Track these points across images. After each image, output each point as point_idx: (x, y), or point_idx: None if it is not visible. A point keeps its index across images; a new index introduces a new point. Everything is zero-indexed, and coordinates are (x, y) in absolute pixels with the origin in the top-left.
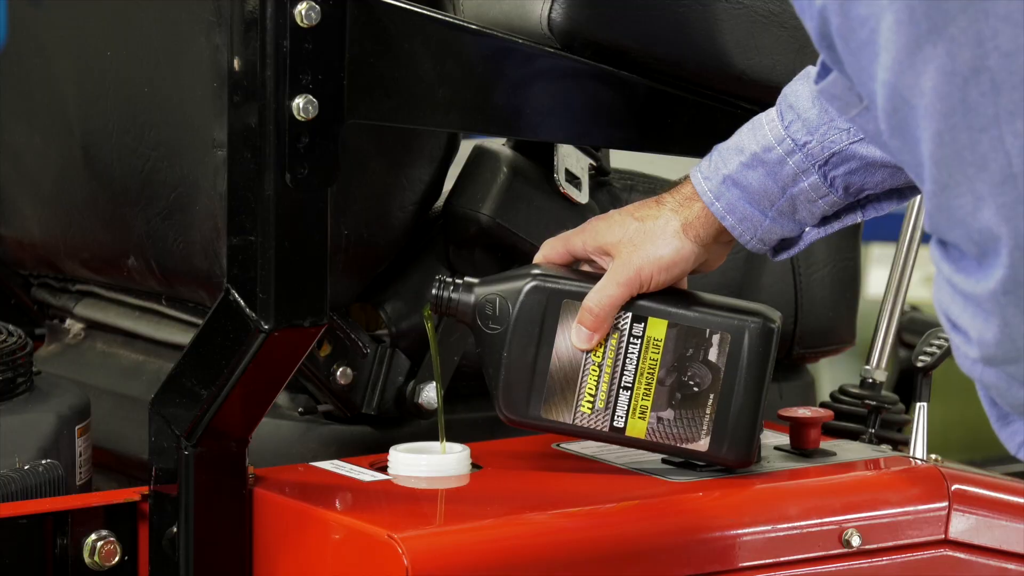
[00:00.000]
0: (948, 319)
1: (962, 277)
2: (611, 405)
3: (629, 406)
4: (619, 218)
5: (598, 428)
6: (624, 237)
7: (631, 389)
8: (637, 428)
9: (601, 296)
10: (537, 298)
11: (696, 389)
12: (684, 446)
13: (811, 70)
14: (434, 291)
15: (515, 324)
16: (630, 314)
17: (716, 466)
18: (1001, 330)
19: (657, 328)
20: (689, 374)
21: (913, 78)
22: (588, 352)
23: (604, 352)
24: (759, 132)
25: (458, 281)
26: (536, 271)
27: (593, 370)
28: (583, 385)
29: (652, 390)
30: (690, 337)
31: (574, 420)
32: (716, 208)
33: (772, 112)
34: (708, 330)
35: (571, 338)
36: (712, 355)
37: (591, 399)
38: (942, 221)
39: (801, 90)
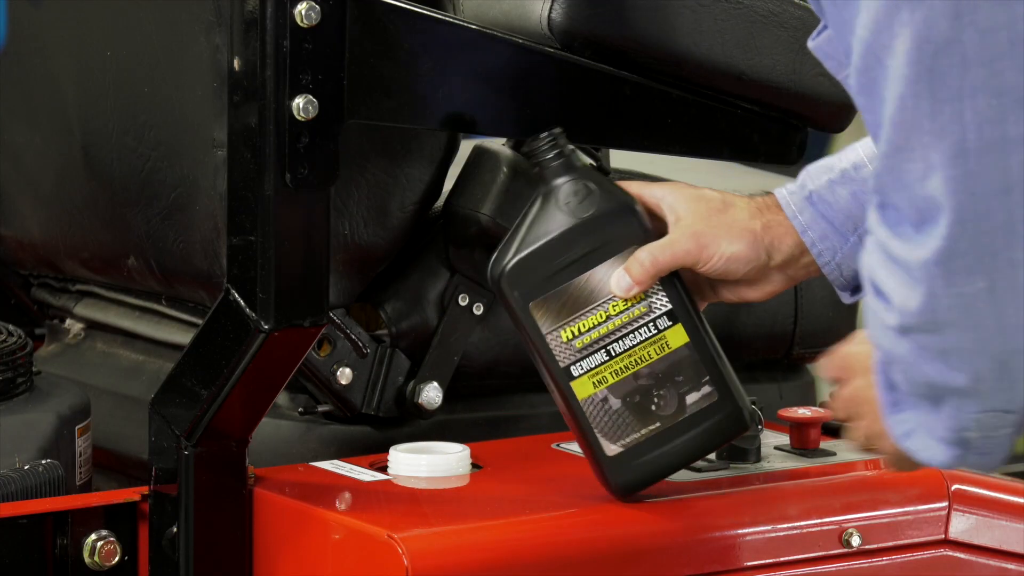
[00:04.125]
0: (873, 283)
1: (898, 242)
2: (584, 353)
3: (596, 367)
4: (710, 194)
5: (556, 357)
6: (706, 212)
7: (611, 357)
8: (583, 388)
9: (658, 254)
10: (620, 221)
11: (653, 409)
12: (597, 436)
13: None
14: (541, 138)
15: (584, 223)
16: (669, 308)
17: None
18: (926, 299)
19: (677, 337)
20: (660, 393)
21: (888, 39)
22: (615, 298)
23: (623, 311)
24: (851, 152)
25: (570, 147)
26: (634, 203)
27: (601, 314)
28: (581, 317)
29: (623, 375)
30: (691, 369)
31: (547, 333)
32: (798, 222)
33: (867, 138)
34: (708, 379)
35: (611, 277)
36: (691, 398)
37: (575, 334)
38: (889, 182)
39: None
